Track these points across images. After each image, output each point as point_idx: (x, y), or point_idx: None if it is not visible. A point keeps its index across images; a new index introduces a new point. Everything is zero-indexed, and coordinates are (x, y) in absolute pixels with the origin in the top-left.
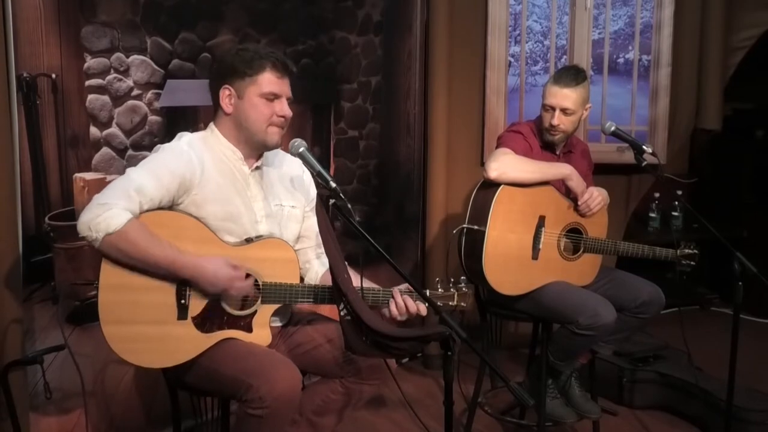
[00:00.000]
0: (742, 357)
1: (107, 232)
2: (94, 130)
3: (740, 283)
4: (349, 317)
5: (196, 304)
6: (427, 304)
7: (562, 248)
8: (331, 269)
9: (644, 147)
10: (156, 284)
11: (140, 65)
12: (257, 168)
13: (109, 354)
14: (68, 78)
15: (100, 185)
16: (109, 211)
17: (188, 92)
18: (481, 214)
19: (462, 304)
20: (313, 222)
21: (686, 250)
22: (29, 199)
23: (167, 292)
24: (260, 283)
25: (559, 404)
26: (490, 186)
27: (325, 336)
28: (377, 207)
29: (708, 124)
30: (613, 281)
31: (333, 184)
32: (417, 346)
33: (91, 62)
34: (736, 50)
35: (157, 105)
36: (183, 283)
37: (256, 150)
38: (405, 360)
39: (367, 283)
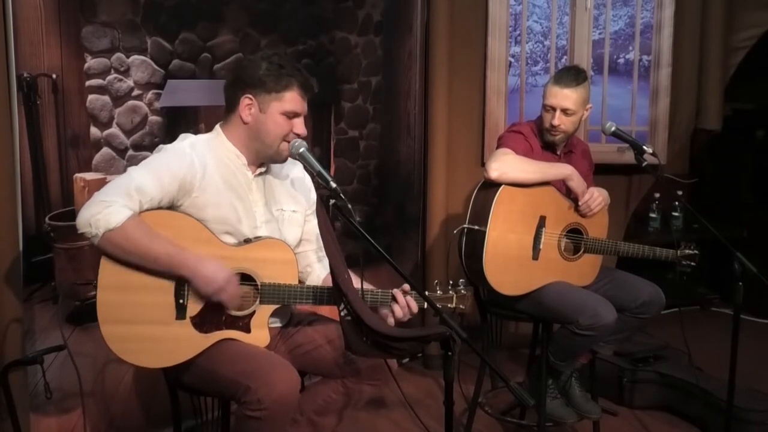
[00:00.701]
0: (742, 357)
1: (107, 228)
2: (94, 131)
3: (740, 284)
4: (349, 317)
5: (195, 304)
6: (426, 305)
7: (562, 248)
8: (332, 269)
9: (644, 147)
10: (155, 284)
11: (140, 65)
12: (260, 174)
13: (109, 354)
14: (68, 78)
15: (101, 185)
16: (110, 207)
17: (188, 92)
18: (481, 215)
19: (461, 306)
20: (314, 225)
21: (686, 251)
22: (29, 199)
23: (166, 291)
24: (259, 283)
25: (559, 404)
26: (491, 186)
27: (325, 337)
28: (377, 207)
29: (708, 124)
30: (614, 281)
31: (333, 185)
32: (417, 347)
33: (91, 62)
34: (737, 50)
35: (157, 105)
36: (181, 283)
37: (262, 160)
38: (405, 360)
39: (366, 285)
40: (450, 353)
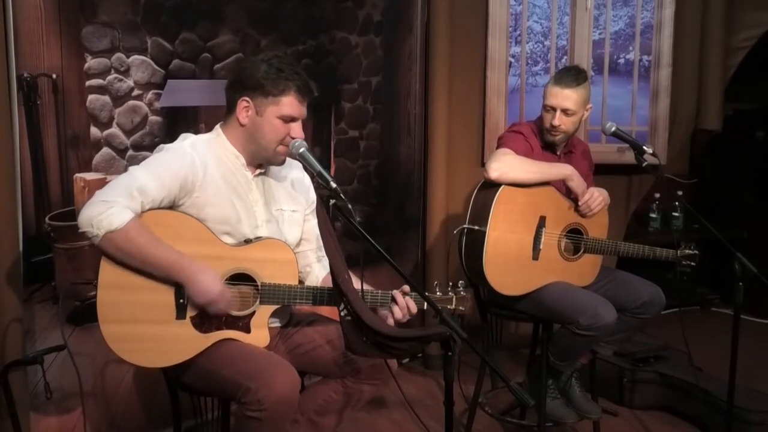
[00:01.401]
0: (742, 357)
1: (109, 229)
2: (94, 131)
3: (741, 284)
4: (349, 317)
5: (195, 304)
6: (426, 305)
7: (562, 248)
8: (332, 269)
9: (645, 147)
10: (155, 283)
11: (141, 65)
12: (259, 174)
13: (109, 354)
14: (69, 78)
15: (101, 185)
16: (112, 208)
17: (189, 92)
18: (481, 215)
19: (460, 308)
20: (313, 225)
21: (686, 251)
22: (29, 199)
23: (166, 291)
24: (259, 283)
25: (559, 404)
26: (491, 186)
27: (324, 337)
28: (377, 207)
29: (708, 124)
30: (614, 281)
31: (333, 185)
32: (417, 347)
33: (91, 62)
34: (737, 50)
35: (157, 105)
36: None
37: (259, 162)
38: (405, 360)
39: (366, 286)
40: (450, 353)
